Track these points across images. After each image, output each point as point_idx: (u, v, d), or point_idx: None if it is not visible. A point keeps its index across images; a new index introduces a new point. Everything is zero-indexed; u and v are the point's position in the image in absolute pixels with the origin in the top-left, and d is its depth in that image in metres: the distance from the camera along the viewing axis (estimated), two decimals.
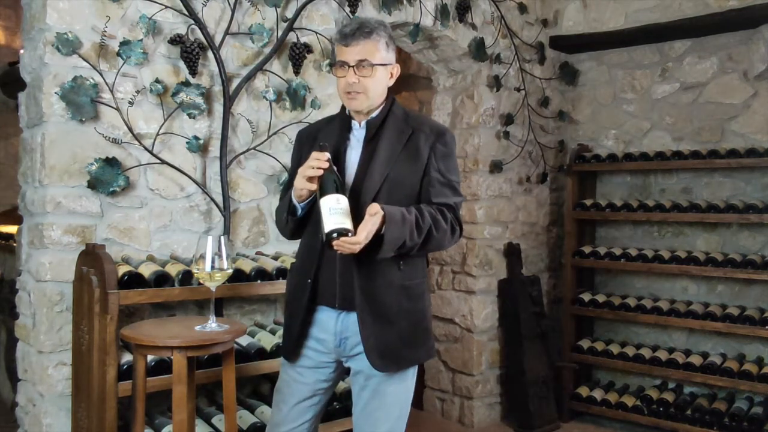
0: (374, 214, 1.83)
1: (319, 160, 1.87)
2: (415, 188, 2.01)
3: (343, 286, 1.98)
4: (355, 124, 2.06)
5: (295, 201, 1.98)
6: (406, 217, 1.89)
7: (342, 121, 2.09)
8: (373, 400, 2.02)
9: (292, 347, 2.07)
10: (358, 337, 1.98)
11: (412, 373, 2.07)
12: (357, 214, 1.85)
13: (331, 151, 1.94)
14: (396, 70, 2.05)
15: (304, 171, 1.89)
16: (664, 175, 4.40)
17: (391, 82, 2.05)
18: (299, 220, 2.03)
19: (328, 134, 2.07)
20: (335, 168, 1.90)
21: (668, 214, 4.10)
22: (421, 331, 2.06)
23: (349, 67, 1.96)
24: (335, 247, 1.82)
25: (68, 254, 2.55)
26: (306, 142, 2.13)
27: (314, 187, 1.89)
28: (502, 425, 4.33)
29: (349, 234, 1.79)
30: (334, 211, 1.79)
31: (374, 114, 2.04)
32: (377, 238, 1.86)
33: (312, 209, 1.99)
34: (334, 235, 1.78)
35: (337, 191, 1.83)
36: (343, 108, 2.10)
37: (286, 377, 2.11)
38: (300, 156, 2.12)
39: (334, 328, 2.02)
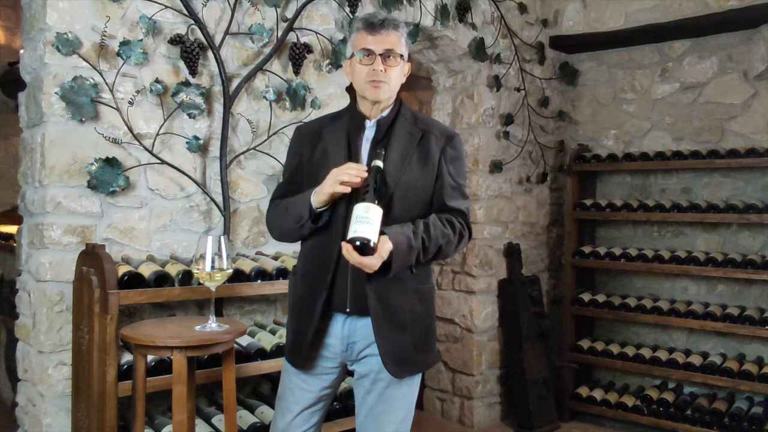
0: (384, 252, 1.80)
1: (358, 171, 1.83)
2: (427, 192, 1.99)
3: (355, 291, 1.94)
4: (367, 122, 2.03)
5: (315, 207, 1.90)
6: (413, 246, 1.86)
7: (353, 118, 2.04)
8: (379, 403, 2.00)
9: (303, 355, 2.02)
10: (366, 342, 1.97)
11: (417, 377, 2.06)
12: None
13: (347, 148, 1.96)
14: (408, 68, 2.05)
15: (340, 176, 1.84)
16: (664, 175, 4.40)
17: (404, 80, 2.04)
18: (316, 227, 1.95)
19: (335, 132, 2.03)
20: (380, 174, 1.87)
21: (668, 214, 4.10)
22: (430, 336, 2.06)
23: (377, 55, 1.94)
24: (344, 253, 1.80)
25: (68, 254, 2.55)
26: (306, 139, 2.07)
27: (347, 190, 1.85)
28: (502, 425, 4.33)
29: (371, 243, 1.76)
30: (359, 219, 1.78)
31: (384, 113, 2.02)
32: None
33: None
34: (357, 243, 1.77)
35: (370, 199, 1.81)
36: (353, 105, 2.07)
37: (290, 384, 2.08)
38: (300, 152, 2.07)
39: (341, 332, 2.00)
